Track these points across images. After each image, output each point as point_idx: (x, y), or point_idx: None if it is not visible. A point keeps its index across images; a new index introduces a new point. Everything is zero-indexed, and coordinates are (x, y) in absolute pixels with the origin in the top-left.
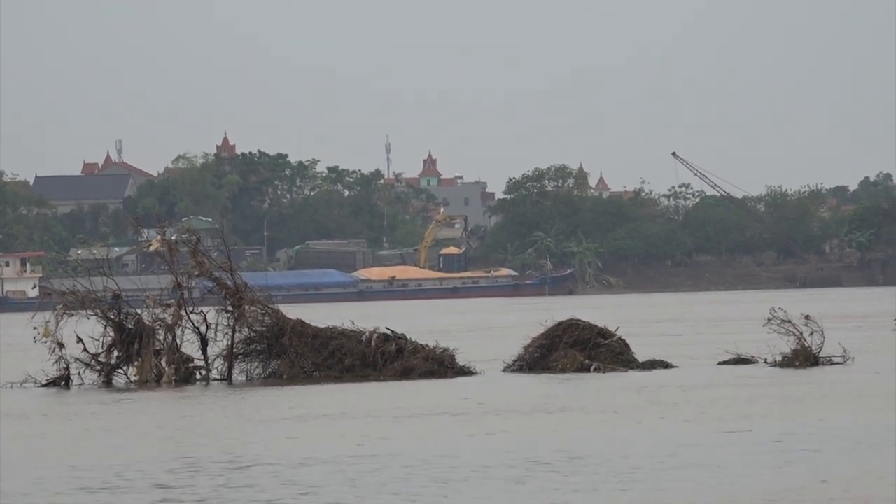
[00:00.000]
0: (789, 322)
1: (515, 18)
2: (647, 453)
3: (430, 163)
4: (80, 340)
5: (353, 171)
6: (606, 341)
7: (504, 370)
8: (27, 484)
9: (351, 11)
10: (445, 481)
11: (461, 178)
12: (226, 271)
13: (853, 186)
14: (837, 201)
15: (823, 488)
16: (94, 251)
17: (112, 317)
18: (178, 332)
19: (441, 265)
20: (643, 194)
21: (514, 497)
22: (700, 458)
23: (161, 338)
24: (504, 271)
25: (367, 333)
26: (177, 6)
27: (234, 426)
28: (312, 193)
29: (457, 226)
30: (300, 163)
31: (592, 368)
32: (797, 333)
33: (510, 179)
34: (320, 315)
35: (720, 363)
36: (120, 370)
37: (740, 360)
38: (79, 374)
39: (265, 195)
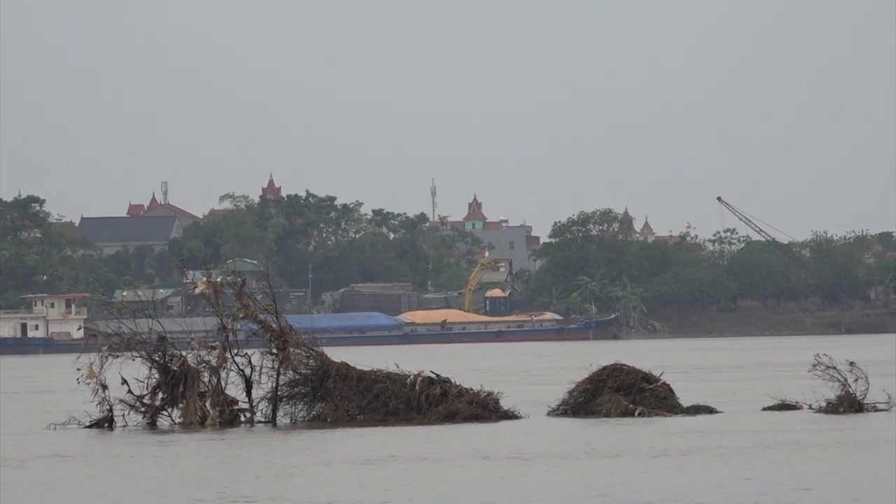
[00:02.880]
0: (834, 368)
1: (562, 68)
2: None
3: (475, 206)
4: (124, 382)
5: (399, 214)
6: (651, 386)
7: (548, 414)
8: None
9: (401, 56)
10: None
11: (506, 221)
12: (271, 314)
13: None
14: (883, 247)
15: None
16: (140, 293)
17: (157, 359)
18: (223, 375)
19: (487, 307)
20: (688, 239)
21: None
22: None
23: (206, 380)
24: (548, 315)
25: (412, 377)
26: (225, 51)
27: (278, 470)
28: (357, 236)
29: (502, 269)
30: (345, 205)
31: (637, 413)
32: (842, 380)
33: (555, 223)
34: (365, 358)
35: (764, 409)
36: (164, 412)
37: (785, 406)
38: (123, 415)
39: (310, 238)
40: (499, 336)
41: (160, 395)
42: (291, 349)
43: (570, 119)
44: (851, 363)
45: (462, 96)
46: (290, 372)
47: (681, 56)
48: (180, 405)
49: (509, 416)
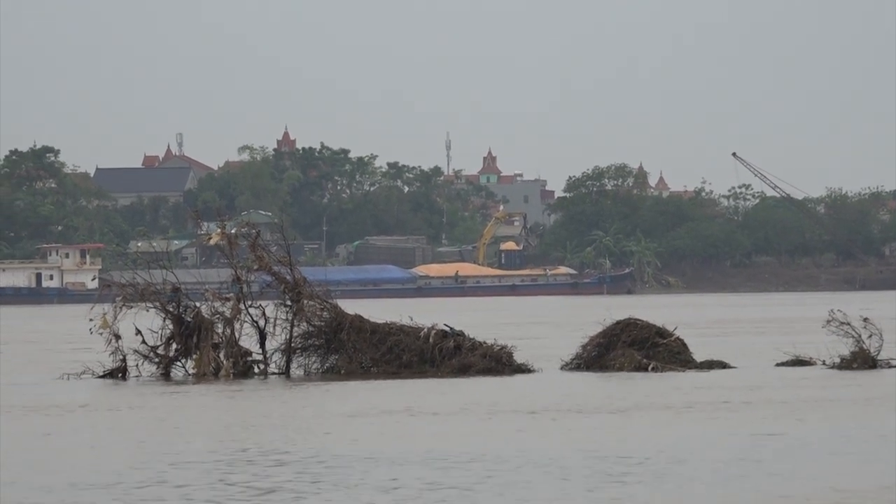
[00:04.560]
0: (848, 324)
1: (574, 19)
2: (695, 453)
3: (489, 160)
4: (138, 332)
5: (413, 168)
6: (664, 341)
7: (562, 368)
8: (80, 475)
9: (416, 8)
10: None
11: (521, 175)
12: (285, 266)
13: None
14: None
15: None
16: (154, 244)
17: (171, 309)
18: (237, 326)
19: (502, 261)
20: (703, 194)
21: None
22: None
23: (220, 331)
24: (563, 269)
25: (426, 330)
26: (242, 5)
27: (292, 421)
28: (372, 189)
29: (516, 223)
30: (360, 158)
31: (650, 368)
32: (856, 336)
33: (570, 178)
34: (378, 310)
35: (778, 364)
36: (178, 363)
37: (798, 362)
38: (137, 366)
39: (325, 190)
40: (513, 290)
41: (174, 346)
42: (305, 301)
43: (584, 74)
44: (865, 319)
45: (479, 51)
46: (304, 324)
47: (696, 12)
48: (194, 356)
49: (523, 369)
